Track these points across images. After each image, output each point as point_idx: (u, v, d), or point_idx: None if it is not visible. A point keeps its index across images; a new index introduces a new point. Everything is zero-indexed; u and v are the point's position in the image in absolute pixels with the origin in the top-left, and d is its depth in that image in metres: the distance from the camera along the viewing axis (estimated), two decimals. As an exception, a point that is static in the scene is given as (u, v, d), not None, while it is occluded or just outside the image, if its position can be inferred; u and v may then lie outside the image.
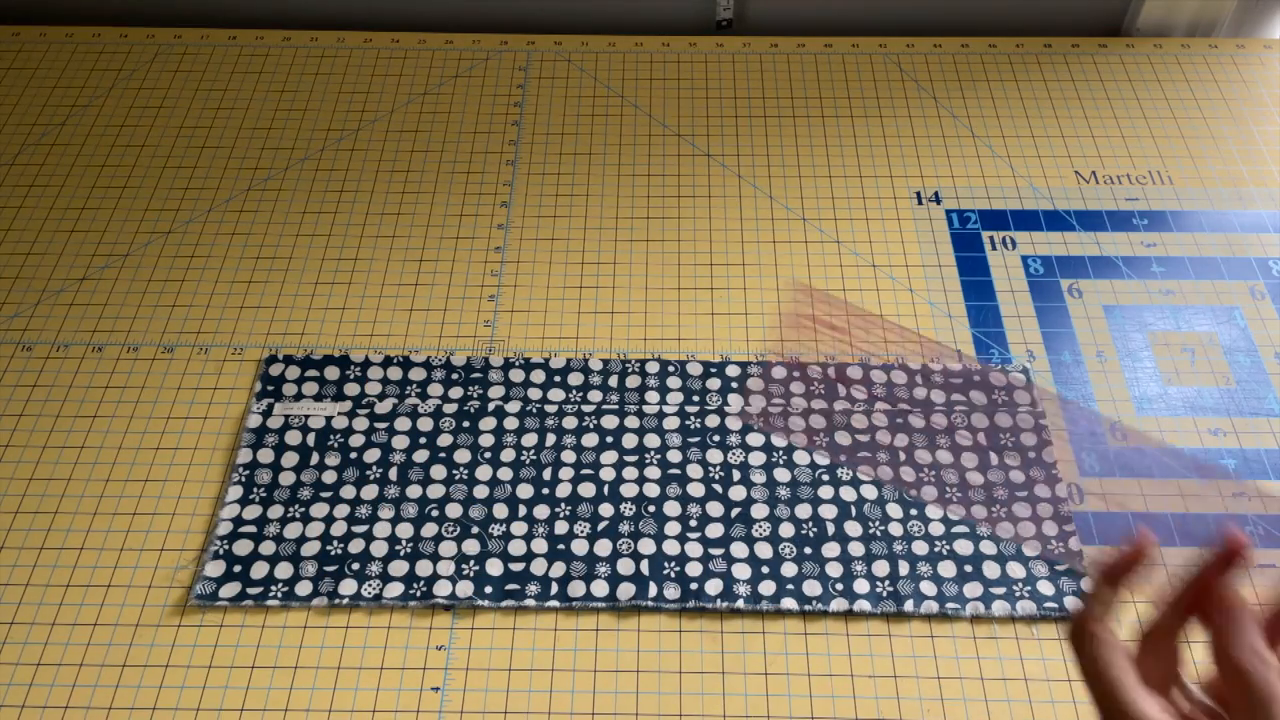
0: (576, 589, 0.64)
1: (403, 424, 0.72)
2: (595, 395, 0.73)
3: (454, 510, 0.68)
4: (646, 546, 0.66)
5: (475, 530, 0.67)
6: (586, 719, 0.60)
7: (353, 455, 0.70)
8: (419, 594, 0.64)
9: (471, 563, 0.65)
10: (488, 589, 0.64)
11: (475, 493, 0.68)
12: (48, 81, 0.96)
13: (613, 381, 0.74)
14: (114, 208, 0.86)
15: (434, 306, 0.79)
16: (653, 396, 0.73)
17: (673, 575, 0.65)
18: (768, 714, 0.60)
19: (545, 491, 0.68)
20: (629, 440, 0.71)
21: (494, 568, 0.65)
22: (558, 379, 0.74)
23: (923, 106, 0.93)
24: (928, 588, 0.64)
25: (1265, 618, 0.36)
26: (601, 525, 0.67)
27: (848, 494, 0.69)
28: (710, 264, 0.82)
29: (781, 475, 0.69)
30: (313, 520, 0.67)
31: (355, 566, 0.65)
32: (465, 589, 0.64)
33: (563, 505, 0.68)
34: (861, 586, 0.64)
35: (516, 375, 0.75)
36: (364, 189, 0.87)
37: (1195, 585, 0.38)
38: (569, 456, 0.70)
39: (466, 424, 0.72)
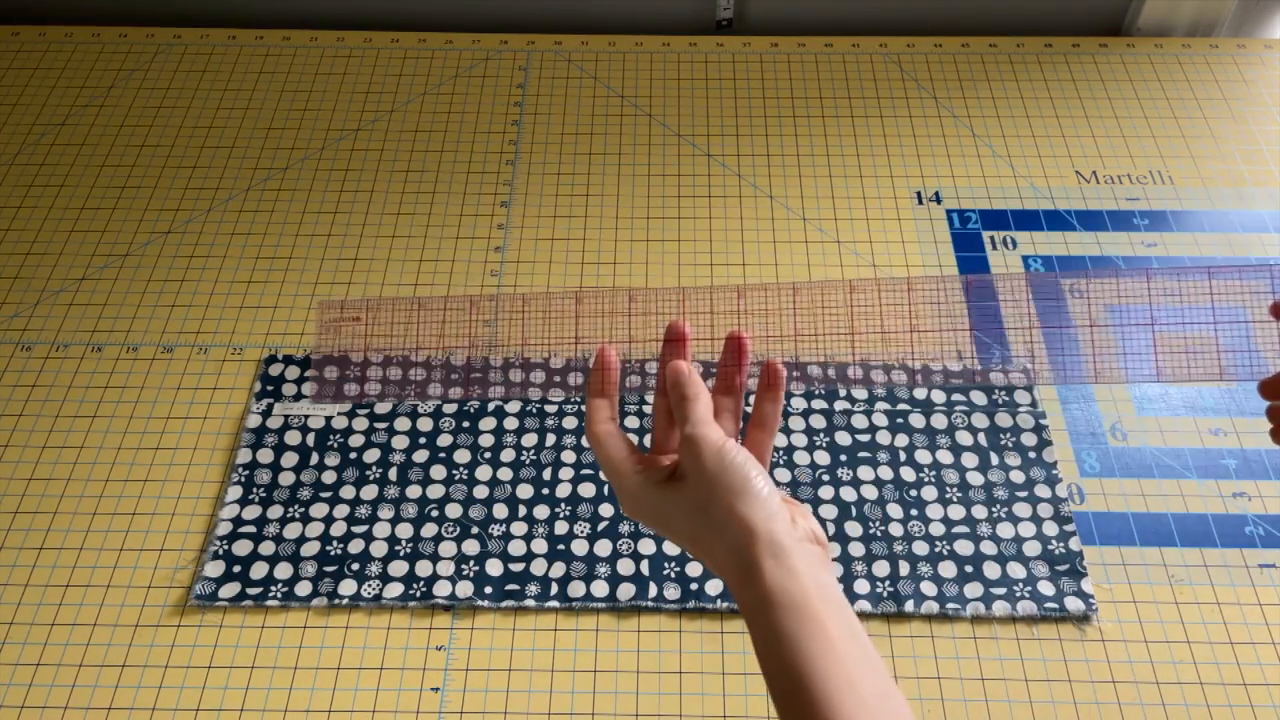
0: (576, 589, 0.64)
1: (402, 424, 0.72)
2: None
3: (454, 510, 0.68)
4: (646, 547, 0.66)
5: (475, 530, 0.67)
6: (586, 719, 0.60)
7: (352, 455, 0.70)
8: (419, 594, 0.64)
9: (471, 563, 0.65)
10: (488, 589, 0.64)
11: (475, 493, 0.68)
12: (48, 81, 0.96)
13: (613, 381, 0.74)
14: (114, 208, 0.86)
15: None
16: (653, 396, 0.73)
17: (673, 575, 0.65)
18: (768, 714, 0.60)
19: (545, 491, 0.68)
20: (629, 440, 0.71)
21: (494, 568, 0.65)
22: (558, 379, 0.74)
23: (923, 106, 0.93)
24: (928, 588, 0.64)
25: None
26: (601, 525, 0.67)
27: (848, 494, 0.69)
28: (710, 264, 0.82)
29: (781, 475, 0.69)
30: (312, 520, 0.67)
31: (355, 567, 0.65)
32: (465, 589, 0.64)
33: (563, 505, 0.68)
34: (862, 587, 0.64)
35: (516, 375, 0.75)
36: (364, 189, 0.87)
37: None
38: (569, 456, 0.70)
39: (466, 424, 0.72)
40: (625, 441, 0.47)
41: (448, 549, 0.66)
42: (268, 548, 0.66)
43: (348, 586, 0.64)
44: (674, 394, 0.47)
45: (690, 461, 0.43)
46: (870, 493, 0.69)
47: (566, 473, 0.69)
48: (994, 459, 0.70)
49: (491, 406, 0.73)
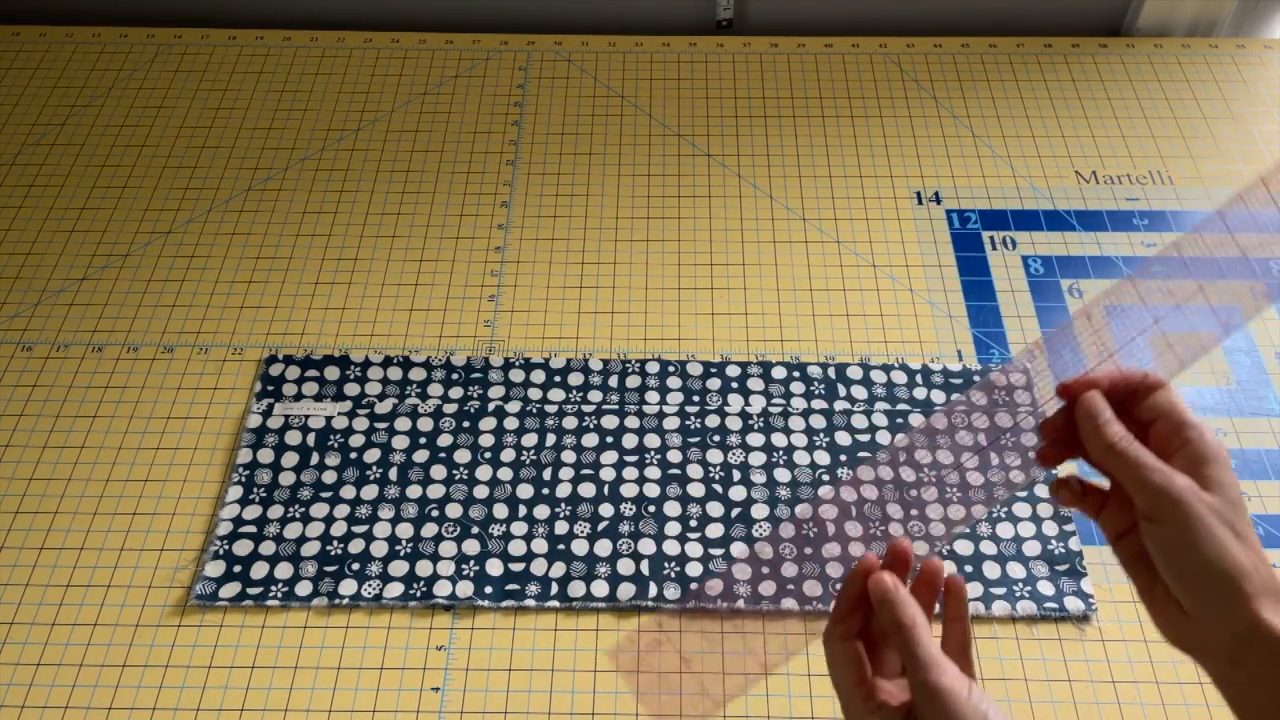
0: (576, 589, 0.64)
1: (403, 424, 0.72)
2: (595, 395, 0.73)
3: (454, 510, 0.68)
4: (647, 546, 0.66)
5: (475, 530, 0.67)
6: (586, 719, 0.60)
7: (353, 455, 0.70)
8: (419, 594, 0.64)
9: (471, 563, 0.65)
10: (488, 589, 0.64)
11: (475, 493, 0.68)
12: (48, 81, 0.96)
13: (613, 381, 0.74)
14: (114, 208, 0.86)
15: (434, 306, 0.79)
16: (653, 396, 0.73)
17: (672, 575, 0.65)
18: (768, 714, 0.60)
19: (545, 491, 0.68)
20: (629, 440, 0.71)
21: (494, 568, 0.65)
22: (558, 379, 0.74)
23: (923, 106, 0.93)
24: (928, 588, 0.64)
25: None
26: (601, 525, 0.67)
27: (848, 494, 0.68)
28: (710, 264, 0.82)
29: (781, 475, 0.69)
30: (313, 520, 0.67)
31: (355, 566, 0.65)
32: (465, 589, 0.64)
33: (563, 505, 0.68)
34: (861, 586, 0.64)
35: (516, 375, 0.75)
36: (364, 189, 0.87)
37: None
38: (569, 456, 0.70)
39: (466, 424, 0.72)
40: (857, 665, 0.42)
41: (448, 549, 0.66)
42: (268, 548, 0.66)
43: (348, 586, 0.64)
44: (885, 617, 0.41)
45: (936, 716, 0.38)
46: (870, 493, 0.69)
47: (566, 473, 0.69)
48: (994, 459, 0.70)
49: (491, 406, 0.73)
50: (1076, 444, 0.41)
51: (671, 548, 0.66)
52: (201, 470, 0.70)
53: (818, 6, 1.01)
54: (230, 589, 0.64)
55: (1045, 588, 0.64)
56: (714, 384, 0.74)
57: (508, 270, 0.81)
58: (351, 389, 0.74)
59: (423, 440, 0.71)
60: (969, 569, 0.65)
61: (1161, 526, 0.37)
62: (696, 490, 0.69)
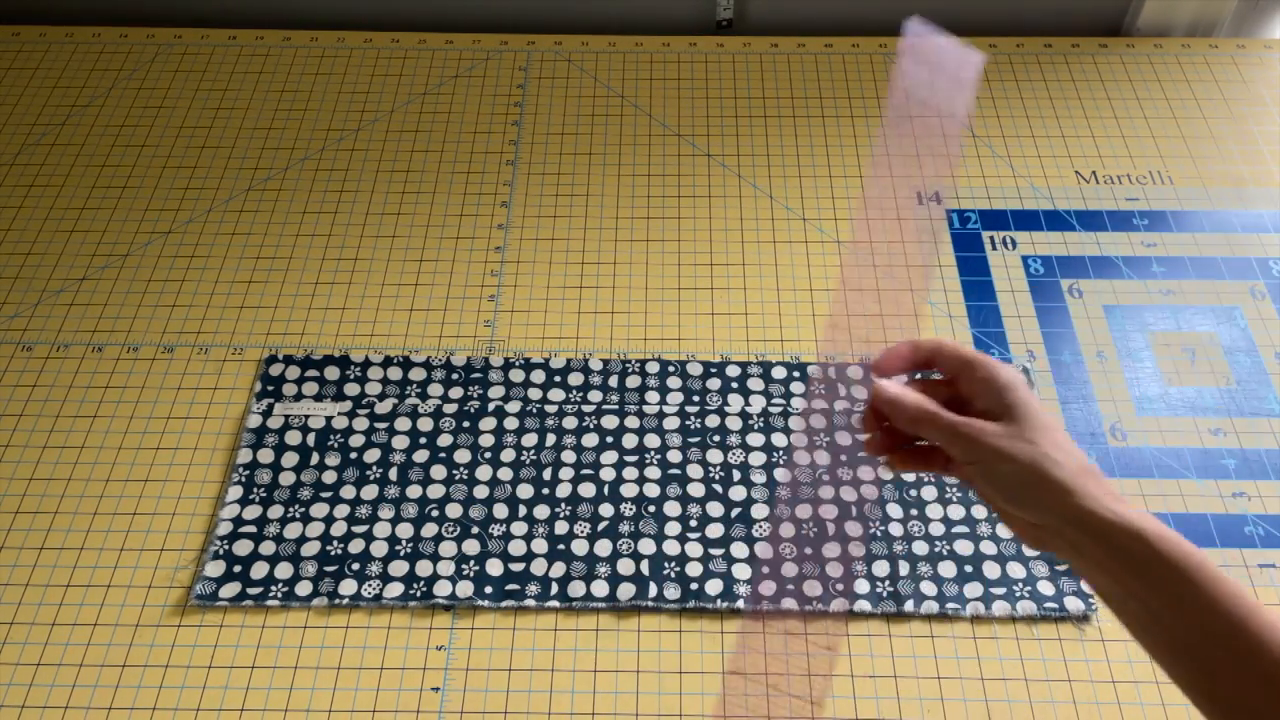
0: (576, 589, 0.64)
1: (403, 424, 0.72)
2: (595, 395, 0.73)
3: (454, 510, 0.68)
4: (647, 546, 0.66)
5: (475, 530, 0.67)
6: (586, 719, 0.60)
7: (353, 455, 0.70)
8: (419, 594, 0.64)
9: (471, 563, 0.65)
10: (488, 589, 0.64)
11: (475, 493, 0.68)
12: (48, 81, 0.96)
13: (613, 381, 0.74)
14: (114, 208, 0.86)
15: (434, 306, 0.79)
16: (653, 396, 0.73)
17: (673, 575, 0.65)
18: (768, 714, 0.60)
19: (545, 491, 0.68)
20: (629, 440, 0.71)
21: (494, 568, 0.65)
22: (558, 379, 0.74)
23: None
24: (928, 588, 0.64)
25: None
26: (601, 525, 0.67)
27: (848, 494, 0.69)
28: (710, 264, 0.82)
29: (782, 475, 0.69)
30: (313, 520, 0.67)
31: (355, 566, 0.65)
32: (465, 589, 0.64)
33: (563, 505, 0.68)
34: (862, 586, 0.64)
35: (516, 375, 0.75)
36: (364, 189, 0.87)
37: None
38: (569, 456, 0.70)
39: (466, 424, 0.72)
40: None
41: (448, 549, 0.66)
42: (268, 548, 0.66)
43: (348, 586, 0.64)
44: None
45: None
46: (870, 493, 0.69)
47: (566, 473, 0.69)
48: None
49: (491, 406, 0.73)
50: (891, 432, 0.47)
51: (671, 548, 0.66)
52: (201, 470, 0.70)
53: (818, 6, 1.01)
54: (230, 589, 0.64)
55: (1045, 588, 0.64)
56: (714, 384, 0.74)
57: (508, 270, 0.81)
58: (351, 389, 0.74)
59: (423, 440, 0.71)
60: (969, 569, 0.65)
61: (973, 464, 0.43)
62: (696, 490, 0.69)
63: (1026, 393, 0.43)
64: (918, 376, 0.48)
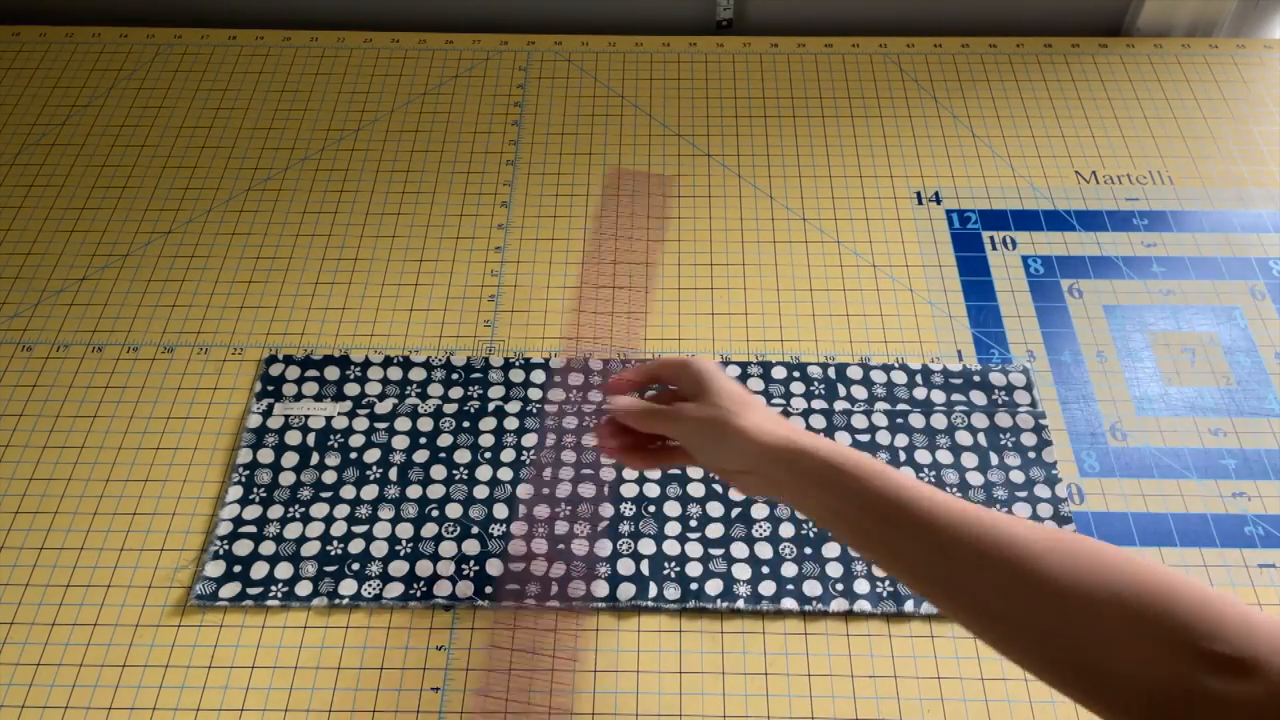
0: (576, 589, 0.64)
1: (403, 424, 0.72)
2: (595, 395, 0.73)
3: (454, 510, 0.68)
4: (646, 546, 0.66)
5: (475, 530, 0.67)
6: (587, 719, 0.60)
7: (353, 455, 0.70)
8: (419, 594, 0.64)
9: (471, 563, 0.65)
10: (488, 589, 0.64)
11: (475, 493, 0.69)
12: (48, 81, 0.96)
13: (613, 381, 0.74)
14: (114, 208, 0.86)
15: (434, 306, 0.79)
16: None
17: (673, 575, 0.65)
18: (768, 714, 0.60)
19: (545, 491, 0.68)
20: (629, 440, 0.71)
21: (494, 568, 0.65)
22: (558, 379, 0.74)
23: (923, 106, 0.93)
24: (928, 588, 0.64)
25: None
26: (601, 525, 0.67)
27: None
28: (710, 264, 0.82)
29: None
30: (313, 520, 0.67)
31: (355, 566, 0.65)
32: (465, 589, 0.64)
33: (563, 505, 0.68)
34: (861, 586, 0.64)
35: (516, 375, 0.75)
36: (364, 189, 0.87)
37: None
38: (569, 456, 0.70)
39: (466, 424, 0.72)
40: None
41: (448, 549, 0.66)
42: (268, 548, 0.66)
43: (348, 586, 0.64)
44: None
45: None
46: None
47: (566, 473, 0.69)
48: (994, 459, 0.70)
49: (491, 406, 0.73)
50: (627, 429, 0.56)
51: (671, 548, 0.66)
52: (201, 470, 0.70)
53: (818, 6, 1.01)
54: (230, 589, 0.64)
55: (1045, 588, 0.64)
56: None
57: (508, 270, 0.81)
58: (351, 389, 0.74)
59: (423, 440, 0.71)
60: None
61: (683, 438, 0.54)
62: (696, 490, 0.69)
63: (716, 375, 0.54)
64: (650, 392, 0.59)
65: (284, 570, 0.65)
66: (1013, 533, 0.44)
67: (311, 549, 0.66)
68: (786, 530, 0.67)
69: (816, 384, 0.74)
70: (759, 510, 0.68)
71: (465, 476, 0.69)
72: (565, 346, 0.72)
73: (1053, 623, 0.42)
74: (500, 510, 0.68)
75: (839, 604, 0.64)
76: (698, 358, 0.55)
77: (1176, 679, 0.39)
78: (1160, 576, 0.41)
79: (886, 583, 0.64)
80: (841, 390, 0.74)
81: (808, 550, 0.66)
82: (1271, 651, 0.37)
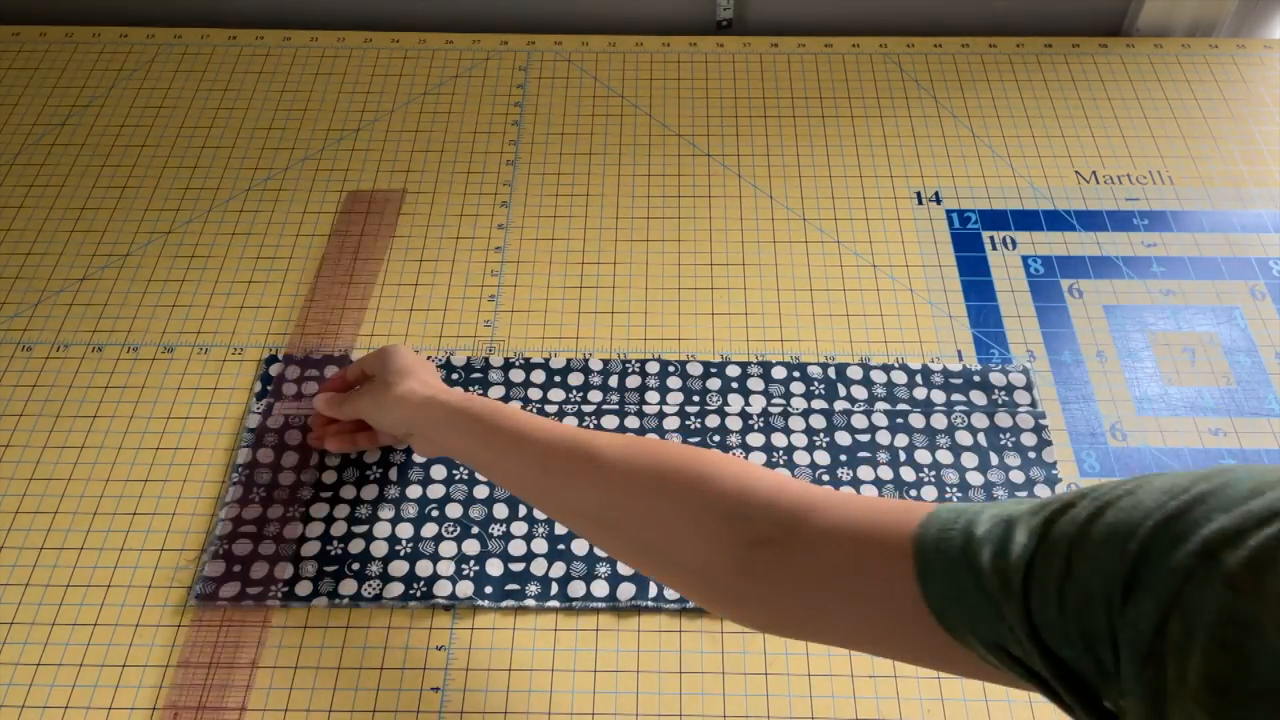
0: (576, 589, 0.64)
1: (403, 424, 0.72)
2: (595, 395, 0.73)
3: (454, 510, 0.68)
4: (646, 546, 0.66)
5: (475, 530, 0.67)
6: (587, 719, 0.60)
7: (352, 455, 0.70)
8: (419, 594, 0.64)
9: (471, 562, 0.65)
10: (488, 589, 0.64)
11: (475, 493, 0.68)
12: (48, 81, 0.96)
13: (613, 381, 0.74)
14: (114, 208, 0.86)
15: (434, 306, 0.79)
16: (653, 396, 0.73)
17: (673, 575, 0.65)
18: (768, 714, 0.60)
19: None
20: (629, 440, 0.71)
21: (494, 568, 0.65)
22: (558, 379, 0.74)
23: (923, 106, 0.93)
24: (928, 588, 0.64)
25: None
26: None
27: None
28: (710, 264, 0.82)
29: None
30: (313, 520, 0.67)
31: (355, 566, 0.65)
32: (465, 589, 0.64)
33: (563, 505, 0.68)
34: (861, 586, 0.64)
35: (516, 375, 0.75)
36: (364, 189, 0.87)
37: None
38: (569, 456, 0.70)
39: (466, 424, 0.72)
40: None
41: (448, 549, 0.66)
42: (268, 547, 0.66)
43: (348, 586, 0.64)
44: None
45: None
46: (870, 493, 0.69)
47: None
48: (994, 459, 0.70)
49: (491, 406, 0.73)
50: (333, 419, 0.67)
51: (671, 548, 0.66)
52: (201, 470, 0.70)
53: (818, 6, 1.01)
54: (230, 589, 0.64)
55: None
56: (714, 384, 0.74)
57: (508, 270, 0.81)
58: None
59: (423, 440, 0.71)
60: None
61: (367, 416, 0.63)
62: (696, 490, 0.68)
63: (393, 354, 0.62)
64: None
65: (284, 570, 0.65)
66: (594, 442, 0.50)
67: (311, 549, 0.66)
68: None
69: (816, 384, 0.74)
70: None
71: (465, 476, 0.69)
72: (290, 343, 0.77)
73: (621, 513, 0.48)
74: (500, 510, 0.68)
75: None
76: (391, 344, 0.64)
77: (718, 553, 0.44)
78: (697, 456, 0.46)
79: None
80: (841, 390, 0.74)
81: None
82: (794, 511, 0.43)
